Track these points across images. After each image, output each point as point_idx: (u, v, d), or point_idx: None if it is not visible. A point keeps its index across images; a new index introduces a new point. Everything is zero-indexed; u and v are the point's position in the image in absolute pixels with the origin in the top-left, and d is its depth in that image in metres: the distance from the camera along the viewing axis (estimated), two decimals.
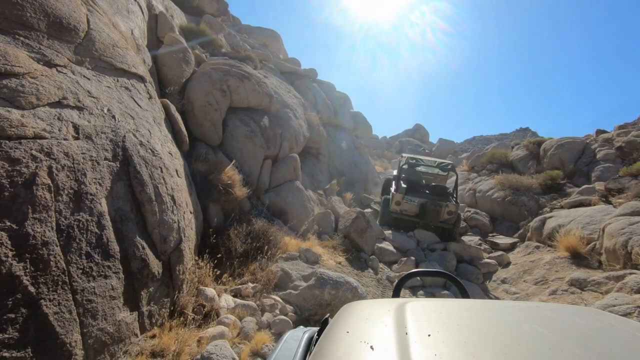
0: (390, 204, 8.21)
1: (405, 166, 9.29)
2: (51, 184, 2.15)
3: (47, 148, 2.21)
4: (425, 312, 0.81)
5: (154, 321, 2.88)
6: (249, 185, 5.84)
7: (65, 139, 2.38)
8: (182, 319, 3.15)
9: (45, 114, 2.37)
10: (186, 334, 2.90)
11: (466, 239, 8.75)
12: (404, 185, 8.38)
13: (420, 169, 9.64)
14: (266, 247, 4.73)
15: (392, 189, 8.73)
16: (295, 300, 4.02)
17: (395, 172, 10.02)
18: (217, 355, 2.65)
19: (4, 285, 1.81)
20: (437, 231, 8.19)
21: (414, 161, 9.47)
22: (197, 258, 3.92)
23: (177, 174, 3.76)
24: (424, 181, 9.61)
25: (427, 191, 8.58)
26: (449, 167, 9.17)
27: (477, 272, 6.34)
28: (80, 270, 2.19)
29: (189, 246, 3.58)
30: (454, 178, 9.06)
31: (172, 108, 4.89)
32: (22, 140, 2.11)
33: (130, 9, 5.33)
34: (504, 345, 0.64)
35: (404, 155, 10.07)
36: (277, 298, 3.92)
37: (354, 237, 6.41)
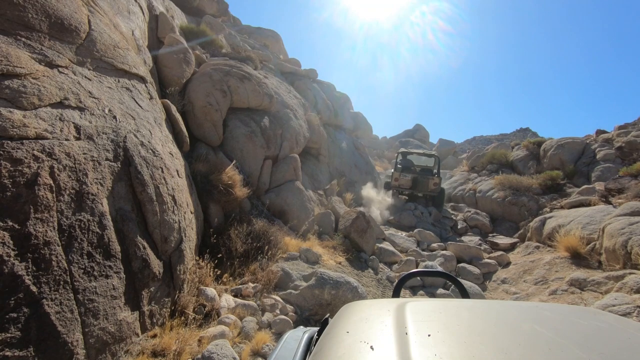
0: (391, 180, 11.41)
1: (400, 157, 12.57)
2: (53, 184, 2.16)
3: (48, 148, 2.21)
4: (425, 312, 0.82)
5: (155, 321, 2.89)
6: (250, 186, 5.84)
7: (66, 140, 2.39)
8: (183, 318, 3.16)
9: (47, 114, 2.37)
10: (187, 333, 2.91)
11: (466, 239, 8.76)
12: (399, 166, 11.80)
13: (412, 157, 13.12)
14: (266, 247, 4.74)
15: (392, 170, 12.06)
16: (296, 300, 4.02)
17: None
18: (218, 355, 2.66)
19: (6, 284, 1.82)
20: (427, 199, 11.31)
21: (406, 152, 13.00)
22: (197, 258, 3.93)
23: (178, 174, 3.77)
24: (415, 166, 12.64)
25: (417, 171, 11.84)
26: (433, 154, 12.62)
27: (477, 272, 6.34)
28: (82, 270, 2.20)
29: (189, 246, 3.59)
30: (437, 162, 11.96)
31: (173, 108, 4.90)
32: (24, 141, 2.12)
33: (131, 9, 5.34)
34: (504, 345, 0.65)
35: (399, 151, 13.47)
36: (278, 298, 3.93)
37: (354, 237, 6.41)
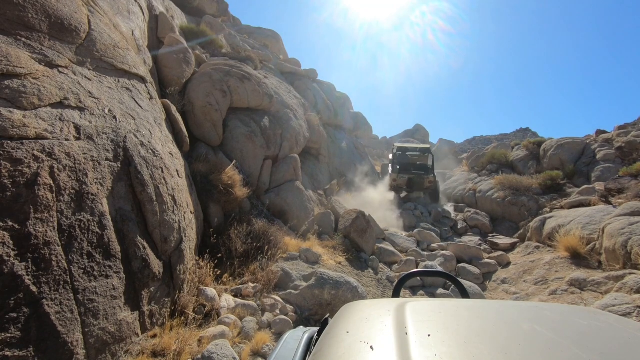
0: (390, 181, 12.15)
1: (397, 153, 13.27)
2: (53, 184, 2.16)
3: (48, 148, 2.21)
4: (425, 312, 0.82)
5: (154, 321, 2.89)
6: (250, 186, 5.84)
7: (66, 140, 2.39)
8: (183, 318, 3.16)
9: (47, 114, 2.38)
10: (187, 333, 2.91)
11: (466, 239, 8.76)
12: (397, 167, 12.44)
13: (408, 153, 13.54)
14: (266, 247, 4.74)
15: (390, 170, 12.68)
16: (296, 300, 4.02)
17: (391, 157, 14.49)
18: (218, 355, 2.66)
19: (6, 284, 1.82)
20: (426, 194, 12.00)
21: (403, 148, 13.66)
22: (197, 258, 3.93)
23: (178, 174, 3.77)
24: (411, 161, 13.29)
25: (413, 169, 12.40)
26: (427, 150, 13.31)
27: (477, 272, 6.34)
28: (82, 270, 2.20)
29: (189, 246, 3.59)
30: (431, 159, 12.81)
31: (173, 108, 4.90)
32: (24, 141, 2.12)
33: (131, 9, 5.34)
34: (504, 345, 0.65)
35: (395, 144, 14.14)
36: (278, 298, 3.93)
37: (354, 237, 6.41)
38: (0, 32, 2.49)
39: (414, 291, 5.50)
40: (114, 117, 3.01)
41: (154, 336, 2.81)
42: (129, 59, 3.92)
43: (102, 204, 2.47)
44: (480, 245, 8.04)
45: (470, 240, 8.53)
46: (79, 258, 2.20)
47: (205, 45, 8.97)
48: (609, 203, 7.40)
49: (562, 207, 8.41)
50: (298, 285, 4.23)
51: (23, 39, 2.63)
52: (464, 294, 1.61)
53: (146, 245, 2.83)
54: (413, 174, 11.94)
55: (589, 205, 7.75)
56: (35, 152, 2.13)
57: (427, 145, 13.92)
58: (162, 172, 3.31)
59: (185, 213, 3.60)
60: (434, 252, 7.27)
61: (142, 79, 4.12)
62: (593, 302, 4.36)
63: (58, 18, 2.98)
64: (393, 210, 10.17)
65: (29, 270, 1.92)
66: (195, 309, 3.35)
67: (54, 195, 2.15)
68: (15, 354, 1.79)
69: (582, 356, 0.60)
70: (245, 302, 3.66)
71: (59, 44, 2.93)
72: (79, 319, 2.13)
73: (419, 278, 5.68)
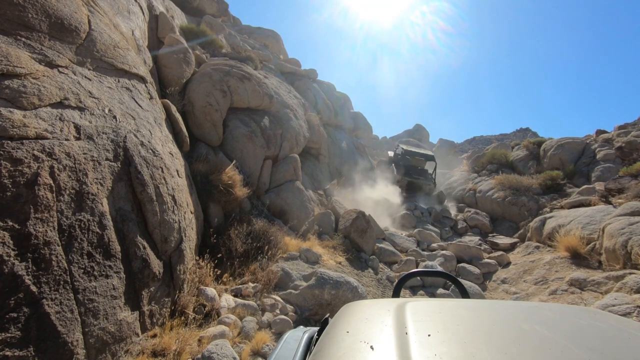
0: (394, 180, 13.16)
1: (401, 155, 14.29)
2: (53, 184, 2.16)
3: (48, 148, 2.21)
4: (425, 312, 0.82)
5: (155, 321, 2.89)
6: (250, 186, 5.84)
7: (66, 140, 2.39)
8: (183, 318, 3.16)
9: (47, 114, 2.38)
10: (187, 333, 2.91)
11: (466, 238, 8.76)
12: (401, 169, 13.56)
13: (414, 157, 14.41)
14: (266, 247, 4.74)
15: (395, 171, 13.80)
16: (296, 300, 4.02)
17: (391, 154, 15.83)
18: (218, 355, 2.66)
19: (6, 284, 1.82)
20: (426, 197, 12.61)
21: (409, 151, 14.39)
22: (197, 258, 3.93)
23: (178, 174, 3.77)
24: (413, 163, 14.22)
25: (415, 174, 13.31)
26: (431, 157, 14.09)
27: (477, 272, 6.34)
28: (82, 270, 2.20)
29: (189, 246, 3.59)
30: (434, 166, 13.62)
31: (173, 108, 4.90)
32: (24, 141, 2.12)
33: (131, 9, 5.34)
34: (504, 345, 0.65)
35: (401, 145, 15.22)
36: (278, 298, 3.93)
37: (354, 237, 6.41)
38: (0, 32, 2.49)
39: (414, 291, 5.50)
40: (114, 117, 3.01)
41: (154, 336, 2.81)
42: (129, 59, 3.92)
43: (102, 203, 2.47)
44: (480, 245, 8.04)
45: (470, 240, 8.54)
46: (79, 258, 2.20)
47: (205, 45, 8.96)
48: (609, 203, 7.40)
49: (562, 207, 8.41)
50: (298, 285, 4.23)
51: (23, 39, 2.63)
52: (464, 294, 1.61)
53: (146, 245, 2.83)
54: (414, 178, 12.97)
55: (589, 205, 7.76)
56: (35, 152, 2.13)
57: (432, 153, 14.70)
58: (162, 172, 3.31)
59: (185, 213, 3.60)
60: (434, 252, 7.27)
61: (142, 79, 4.12)
62: (593, 302, 4.36)
63: (58, 18, 2.98)
64: (393, 210, 10.19)
65: (29, 270, 1.92)
66: (195, 309, 3.35)
67: (54, 195, 2.15)
68: (15, 353, 1.79)
69: (582, 356, 0.60)
70: (245, 302, 3.66)
71: (59, 44, 2.93)
72: (79, 319, 2.13)
73: (419, 278, 5.68)
